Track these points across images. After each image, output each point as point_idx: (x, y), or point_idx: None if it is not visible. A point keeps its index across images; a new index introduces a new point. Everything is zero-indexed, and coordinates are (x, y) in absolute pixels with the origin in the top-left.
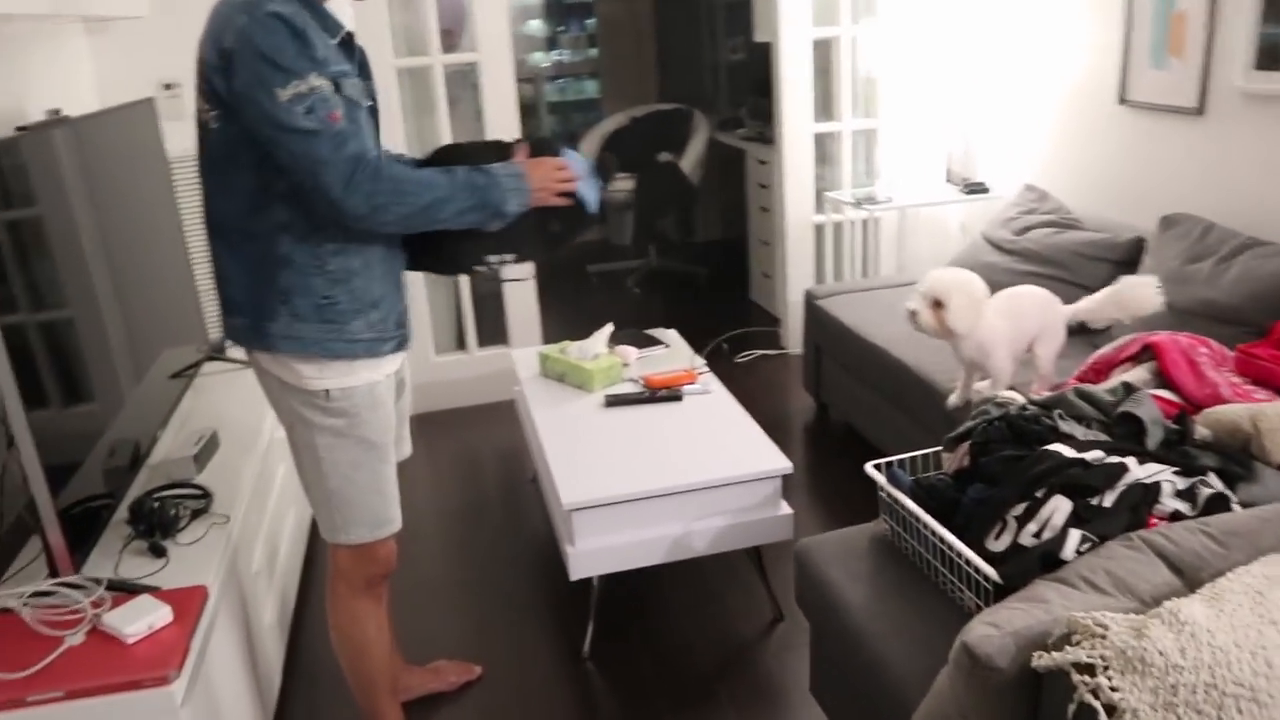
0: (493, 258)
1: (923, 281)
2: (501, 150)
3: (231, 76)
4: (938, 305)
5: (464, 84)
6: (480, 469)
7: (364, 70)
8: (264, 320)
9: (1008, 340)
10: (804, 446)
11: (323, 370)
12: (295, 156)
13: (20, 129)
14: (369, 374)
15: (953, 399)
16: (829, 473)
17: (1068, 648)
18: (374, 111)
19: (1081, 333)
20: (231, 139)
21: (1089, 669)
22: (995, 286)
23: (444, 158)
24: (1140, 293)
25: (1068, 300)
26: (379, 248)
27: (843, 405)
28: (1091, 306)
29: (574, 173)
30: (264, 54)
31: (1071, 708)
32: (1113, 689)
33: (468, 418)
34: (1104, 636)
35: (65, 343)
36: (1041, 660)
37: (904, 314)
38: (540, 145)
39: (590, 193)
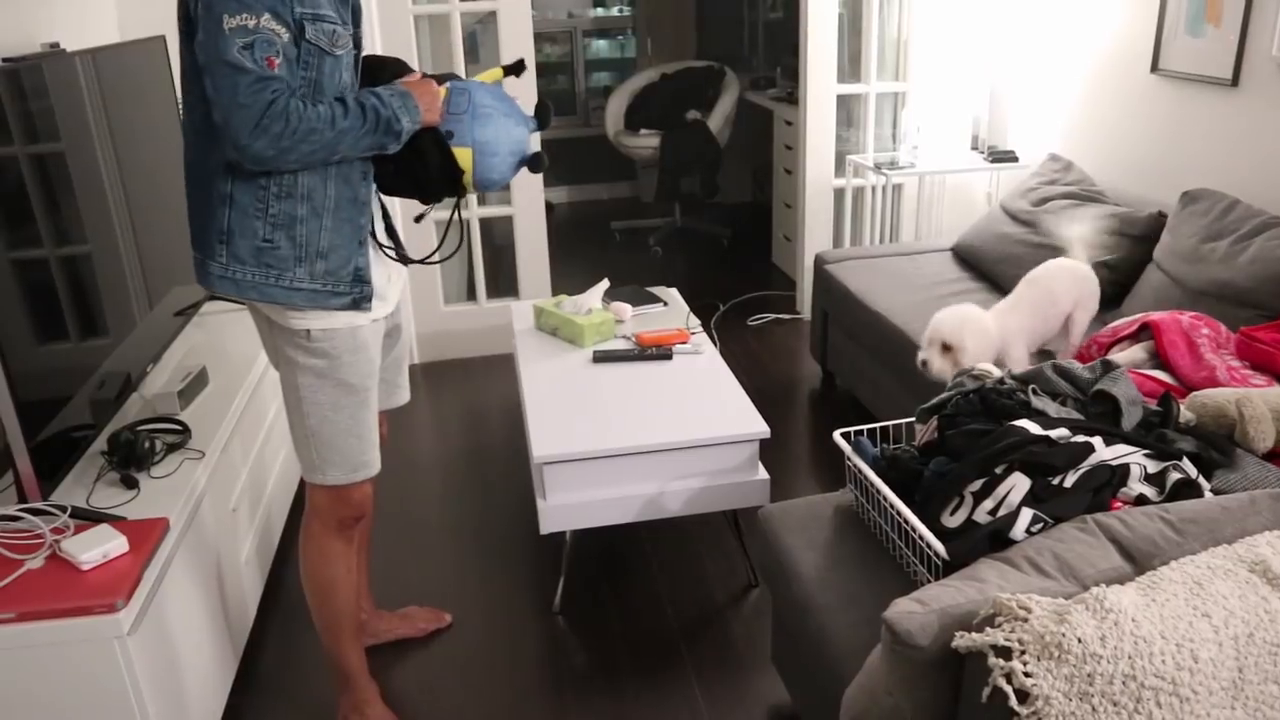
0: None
1: (929, 328)
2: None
3: None
4: (946, 349)
5: (488, 36)
6: (480, 420)
7: (351, 12)
8: (207, 258)
9: (1027, 332)
10: (806, 414)
11: (305, 311)
12: (218, 89)
13: (7, 60)
14: (350, 317)
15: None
16: (827, 442)
17: (988, 629)
18: (356, 57)
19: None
20: (191, 67)
21: (1007, 652)
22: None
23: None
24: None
25: None
26: (329, 197)
27: (847, 374)
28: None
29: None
30: None
31: (986, 691)
32: (1026, 674)
33: (474, 368)
34: (1026, 620)
35: (81, 279)
36: (961, 640)
37: (917, 361)
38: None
39: (522, 136)
